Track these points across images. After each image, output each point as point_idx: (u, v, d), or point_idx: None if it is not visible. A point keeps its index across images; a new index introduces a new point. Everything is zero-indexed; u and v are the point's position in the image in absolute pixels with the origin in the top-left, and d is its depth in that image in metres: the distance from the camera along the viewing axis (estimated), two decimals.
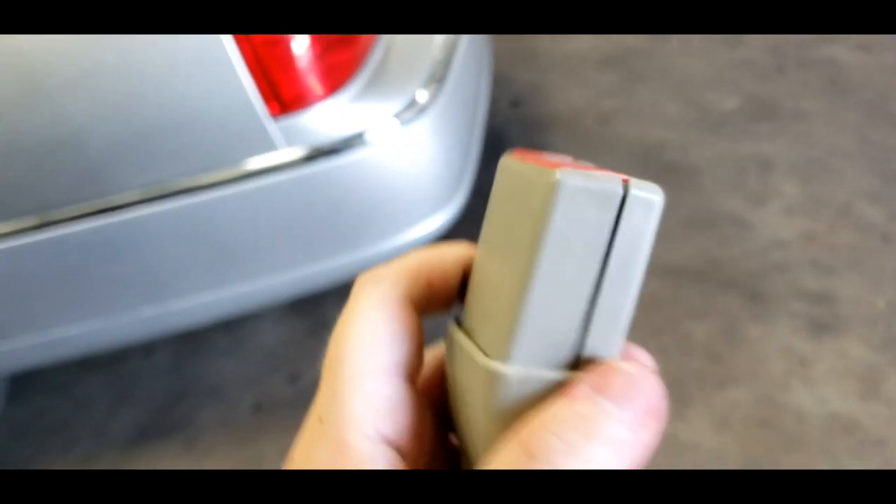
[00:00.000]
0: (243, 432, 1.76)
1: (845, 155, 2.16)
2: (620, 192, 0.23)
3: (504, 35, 2.87)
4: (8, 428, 1.91)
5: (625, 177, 0.24)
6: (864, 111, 2.31)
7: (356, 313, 0.26)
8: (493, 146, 2.35)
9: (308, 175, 1.24)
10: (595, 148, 2.30)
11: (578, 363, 0.23)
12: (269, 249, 1.35)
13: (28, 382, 2.00)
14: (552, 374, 0.23)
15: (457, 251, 0.29)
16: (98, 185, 1.19)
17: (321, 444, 0.24)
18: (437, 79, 1.37)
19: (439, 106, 1.35)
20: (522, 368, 0.23)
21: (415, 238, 1.38)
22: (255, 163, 1.21)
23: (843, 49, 2.57)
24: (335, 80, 1.23)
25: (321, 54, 1.20)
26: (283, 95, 1.16)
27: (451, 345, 0.27)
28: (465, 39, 1.53)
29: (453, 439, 0.29)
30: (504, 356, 0.23)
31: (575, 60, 2.71)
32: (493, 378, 0.23)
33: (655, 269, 1.88)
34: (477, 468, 0.23)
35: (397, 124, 1.28)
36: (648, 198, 0.23)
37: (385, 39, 1.38)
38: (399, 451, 0.24)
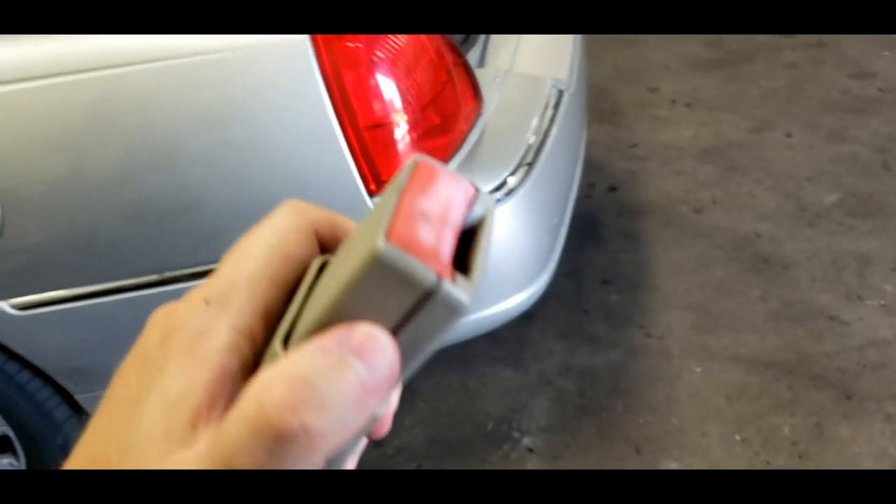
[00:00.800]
0: None
1: None
2: (430, 284, 0.22)
3: (603, 123, 2.95)
4: None
5: (448, 271, 0.23)
6: None
7: (275, 225, 0.29)
8: (588, 228, 2.40)
9: None
10: (690, 236, 2.31)
11: None
12: None
13: None
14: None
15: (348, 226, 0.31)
16: (214, 250, 1.31)
17: (198, 318, 0.26)
18: (527, 163, 1.45)
19: (527, 189, 1.43)
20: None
21: (497, 315, 1.44)
22: None
23: None
24: None
25: (419, 139, 1.30)
26: (381, 175, 1.26)
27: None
28: (557, 125, 1.60)
29: None
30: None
31: (674, 150, 2.75)
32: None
33: (743, 359, 1.87)
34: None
35: None
36: (456, 301, 0.23)
37: (481, 124, 1.47)
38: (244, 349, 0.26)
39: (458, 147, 1.40)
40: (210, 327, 0.26)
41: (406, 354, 0.24)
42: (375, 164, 1.26)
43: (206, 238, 1.32)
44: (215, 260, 0.28)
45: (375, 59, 1.25)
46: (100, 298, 1.36)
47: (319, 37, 1.19)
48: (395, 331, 0.23)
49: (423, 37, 1.34)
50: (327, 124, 1.22)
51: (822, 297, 2.03)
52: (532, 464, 1.75)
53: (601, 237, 2.39)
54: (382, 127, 1.26)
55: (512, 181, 1.41)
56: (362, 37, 1.23)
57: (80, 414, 1.55)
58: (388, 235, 0.22)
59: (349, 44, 1.22)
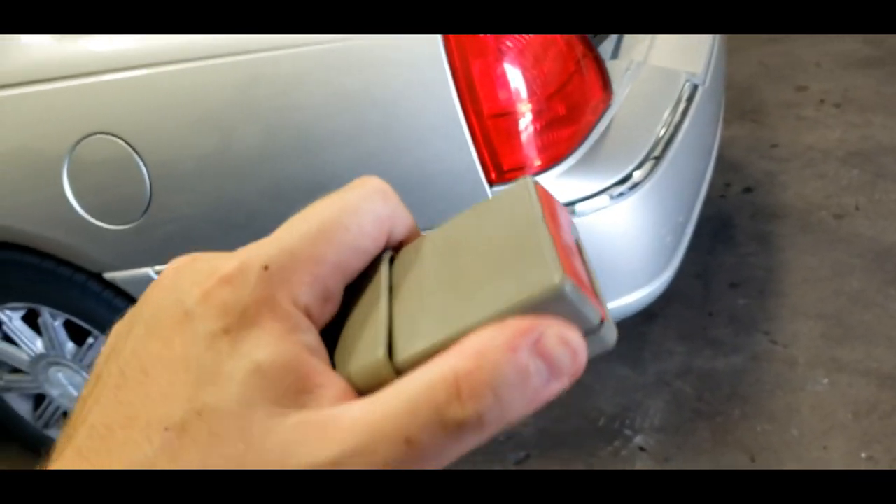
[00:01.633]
0: None
1: None
2: (596, 323, 0.24)
3: (744, 121, 2.84)
4: None
5: (604, 310, 0.24)
6: None
7: (359, 207, 0.27)
8: (720, 229, 2.33)
9: None
10: (827, 243, 2.20)
11: None
12: None
13: None
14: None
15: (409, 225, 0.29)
16: None
17: (255, 285, 0.24)
18: (654, 156, 1.43)
19: (653, 183, 1.40)
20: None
21: (612, 311, 1.43)
22: None
23: None
24: (554, 153, 1.33)
25: (543, 129, 1.31)
26: (503, 164, 1.28)
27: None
28: (689, 120, 1.57)
29: None
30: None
31: (817, 152, 2.62)
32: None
33: (876, 375, 1.77)
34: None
35: (607, 199, 1.35)
36: (610, 341, 0.24)
37: (609, 116, 1.46)
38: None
39: (584, 138, 1.40)
40: (273, 297, 0.25)
41: None
42: (497, 153, 1.28)
43: None
44: None
45: (503, 48, 1.27)
46: None
47: None
48: None
49: None
50: (452, 111, 1.25)
51: None
52: (642, 463, 1.73)
53: (733, 239, 2.31)
54: (506, 116, 1.28)
55: (638, 175, 1.40)
56: None
57: None
58: (566, 269, 0.23)
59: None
